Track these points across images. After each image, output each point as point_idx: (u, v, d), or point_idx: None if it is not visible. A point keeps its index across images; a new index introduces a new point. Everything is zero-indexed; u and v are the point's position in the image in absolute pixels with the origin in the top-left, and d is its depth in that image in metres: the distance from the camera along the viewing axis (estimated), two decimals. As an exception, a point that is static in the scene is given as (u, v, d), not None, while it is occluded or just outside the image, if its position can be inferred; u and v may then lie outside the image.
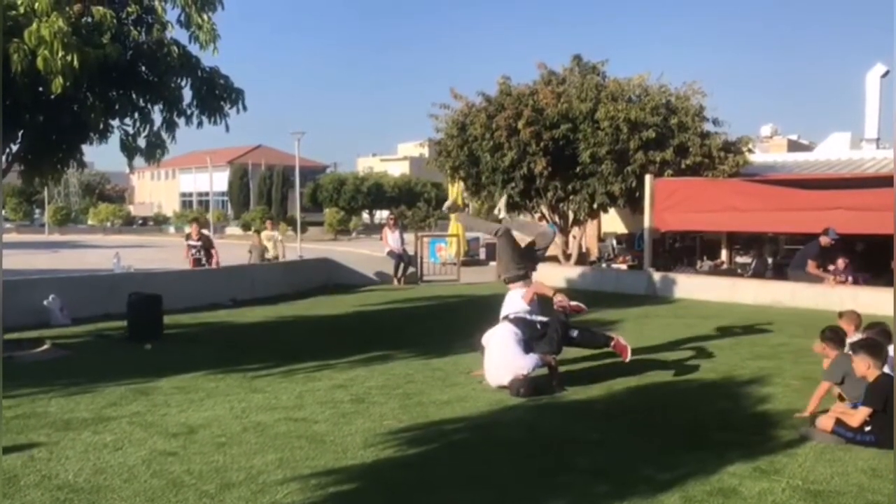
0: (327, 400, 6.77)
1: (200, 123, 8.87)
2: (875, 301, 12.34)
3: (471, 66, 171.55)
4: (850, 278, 13.82)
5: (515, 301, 7.81)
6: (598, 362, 8.34)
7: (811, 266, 14.00)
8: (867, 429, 5.51)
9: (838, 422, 5.59)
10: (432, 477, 4.86)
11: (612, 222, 20.46)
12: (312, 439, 5.61)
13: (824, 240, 13.95)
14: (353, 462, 5.13)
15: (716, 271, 17.25)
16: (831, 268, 13.89)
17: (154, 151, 8.72)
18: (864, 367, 5.70)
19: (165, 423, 6.06)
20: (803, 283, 14.02)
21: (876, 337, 6.36)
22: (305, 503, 4.43)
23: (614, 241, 19.70)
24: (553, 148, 16.70)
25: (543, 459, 5.24)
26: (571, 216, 17.92)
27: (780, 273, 15.27)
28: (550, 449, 5.47)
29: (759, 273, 15.98)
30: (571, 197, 17.09)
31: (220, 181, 67.92)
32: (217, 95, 8.86)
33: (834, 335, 6.61)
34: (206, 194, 69.84)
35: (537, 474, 4.94)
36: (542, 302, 7.98)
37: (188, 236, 14.75)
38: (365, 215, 64.54)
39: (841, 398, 6.12)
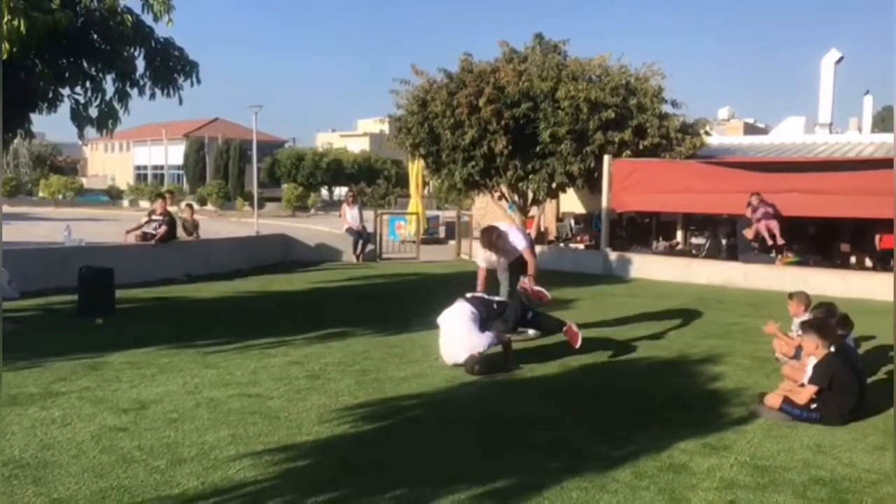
0: (282, 376, 6.74)
1: (153, 95, 8.69)
2: (824, 283, 12.65)
3: (433, 42, 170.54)
4: (766, 209, 14.07)
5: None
6: (553, 341, 8.37)
7: (750, 232, 14.37)
8: (813, 406, 5.65)
9: (786, 399, 5.73)
10: (387, 453, 4.87)
11: (571, 202, 20.56)
12: (266, 415, 5.58)
13: (748, 210, 14.38)
14: (308, 438, 5.12)
15: (671, 252, 17.47)
16: (753, 207, 14.16)
17: (106, 122, 8.51)
18: (813, 347, 5.83)
19: (116, 398, 5.97)
20: (754, 263, 14.29)
21: (824, 317, 6.51)
22: (258, 479, 4.41)
23: (572, 221, 19.78)
24: (514, 127, 16.65)
25: (498, 436, 5.28)
26: (531, 195, 17.97)
27: (733, 254, 15.53)
28: (505, 426, 5.51)
29: (713, 254, 16.22)
30: (531, 176, 17.11)
31: (175, 154, 66.83)
32: (171, 67, 8.67)
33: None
34: (161, 168, 68.79)
35: (492, 451, 4.98)
36: (510, 279, 8.07)
37: (152, 212, 14.34)
38: (324, 192, 63.95)
39: (788, 377, 6.25)
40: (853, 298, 11.63)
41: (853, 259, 15.28)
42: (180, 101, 8.76)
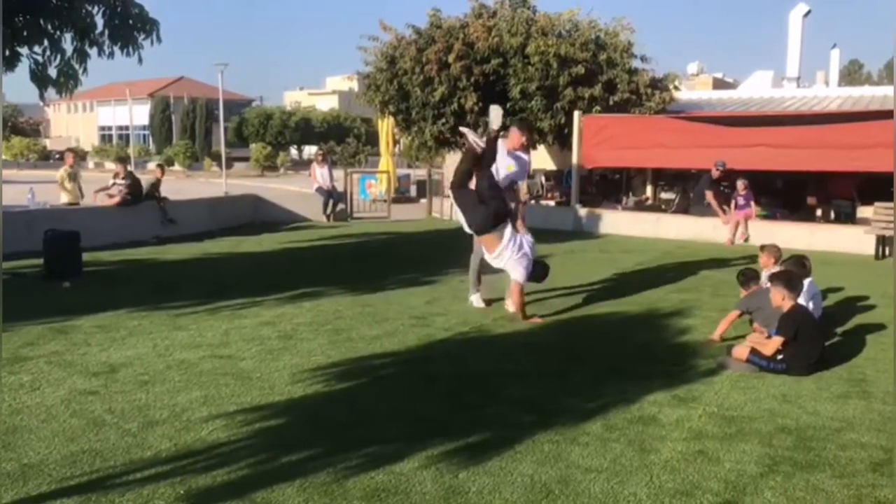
0: (254, 337, 6.71)
1: (112, 54, 8.45)
2: (793, 236, 12.81)
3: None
4: (751, 202, 14.23)
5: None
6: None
7: (709, 196, 14.51)
8: (779, 357, 5.75)
9: (753, 351, 5.82)
10: (360, 412, 4.89)
11: (541, 159, 20.51)
12: (238, 376, 5.57)
13: (714, 172, 14.50)
14: (280, 398, 5.12)
15: (641, 207, 17.57)
16: (738, 195, 14.26)
17: (66, 82, 8.28)
18: (780, 298, 5.92)
19: (85, 362, 5.92)
20: (706, 216, 14.46)
21: (793, 269, 6.61)
22: (231, 440, 4.41)
23: (543, 178, 19.80)
24: (483, 83, 16.52)
25: (471, 392, 5.32)
26: (501, 152, 17.91)
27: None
28: (477, 382, 5.55)
29: (682, 209, 16.33)
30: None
31: (140, 114, 65.47)
32: (130, 25, 8.43)
33: (747, 278, 6.93)
34: (126, 128, 67.41)
35: (465, 407, 5.01)
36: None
37: (115, 175, 14.12)
38: (293, 151, 63.25)
39: (755, 329, 6.36)
40: (819, 251, 11.81)
41: (819, 212, 15.50)
42: (140, 61, 8.55)
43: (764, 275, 7.28)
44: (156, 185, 14.38)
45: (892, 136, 12.43)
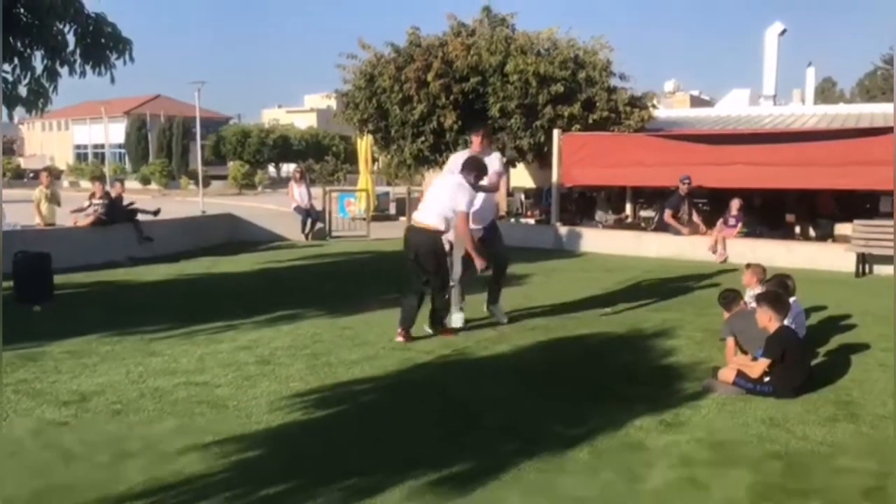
0: (230, 362, 6.57)
1: (84, 73, 8.31)
2: (772, 254, 12.82)
3: (379, 15, 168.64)
4: (739, 223, 14.28)
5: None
6: (506, 316, 8.36)
7: (667, 216, 14.62)
8: (766, 379, 5.69)
9: (739, 373, 5.76)
10: (340, 441, 4.77)
11: (521, 177, 20.56)
12: (214, 404, 5.43)
13: (682, 188, 14.57)
14: (258, 427, 4.99)
15: (620, 225, 17.58)
16: (731, 215, 14.32)
17: (36, 101, 8.13)
18: (766, 319, 5.86)
19: (56, 390, 5.74)
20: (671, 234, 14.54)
21: (777, 289, 6.56)
22: (207, 472, 4.26)
23: (522, 196, 19.82)
24: (463, 101, 16.58)
25: (453, 419, 5.21)
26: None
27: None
28: (460, 408, 5.44)
29: (662, 226, 16.35)
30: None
31: (116, 133, 64.89)
32: (103, 44, 8.29)
33: (728, 299, 6.88)
34: (102, 146, 66.82)
35: (448, 435, 4.91)
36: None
37: (92, 195, 13.91)
38: (271, 169, 63.03)
39: (743, 351, 6.30)
40: (799, 268, 11.81)
41: (798, 229, 15.57)
42: (112, 80, 8.41)
43: (748, 294, 7.26)
44: (119, 199, 14.17)
45: (874, 153, 12.55)
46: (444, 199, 7.34)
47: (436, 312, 7.61)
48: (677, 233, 14.55)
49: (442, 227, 7.31)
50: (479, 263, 7.38)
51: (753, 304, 6.28)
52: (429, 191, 7.71)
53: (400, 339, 7.31)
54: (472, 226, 7.59)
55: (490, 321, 8.25)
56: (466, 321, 7.98)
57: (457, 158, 7.95)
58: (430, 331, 7.67)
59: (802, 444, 4.82)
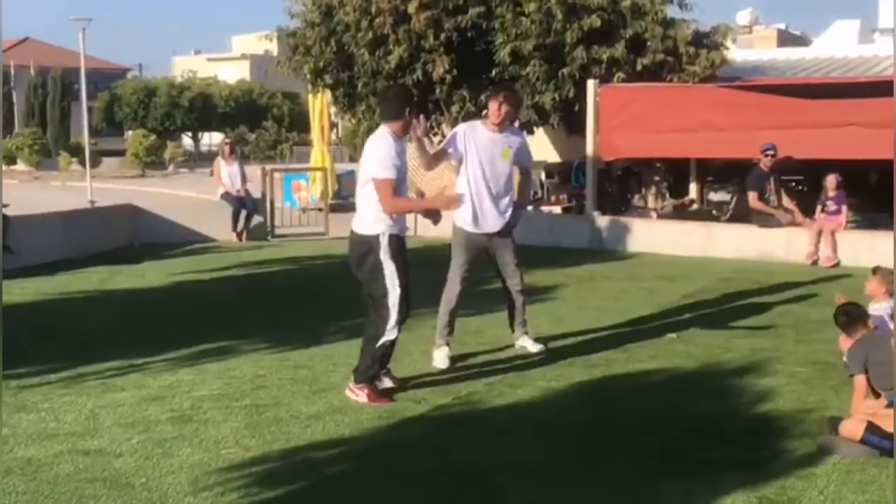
0: (135, 420, 6.47)
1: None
2: (898, 251, 12.73)
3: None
4: (843, 206, 14.21)
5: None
6: (532, 354, 8.31)
7: (753, 199, 14.55)
8: (910, 435, 5.57)
9: (869, 426, 5.63)
10: (297, 535, 4.66)
11: (541, 147, 20.44)
12: (113, 484, 5.29)
13: (764, 161, 14.56)
14: (177, 517, 4.88)
15: (682, 213, 17.54)
16: (827, 198, 14.24)
17: None
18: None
19: None
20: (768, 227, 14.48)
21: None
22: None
23: (543, 175, 19.75)
24: (459, 42, 16.52)
25: (460, 498, 5.15)
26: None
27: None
28: (468, 482, 5.37)
29: (741, 215, 16.26)
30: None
31: (-33, 92, 64.89)
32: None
33: (851, 318, 6.72)
34: (-52, 112, 66.68)
35: (453, 523, 4.80)
36: None
37: None
38: (187, 140, 63.00)
39: (874, 393, 6.19)
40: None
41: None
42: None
43: (882, 309, 7.19)
44: None
45: None
46: (361, 181, 7.05)
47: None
48: (768, 223, 14.41)
49: (377, 228, 6.88)
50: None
51: (889, 323, 6.18)
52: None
53: (359, 398, 6.92)
54: (472, 228, 7.76)
55: (506, 355, 8.24)
56: (453, 359, 7.98)
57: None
58: (441, 366, 7.74)
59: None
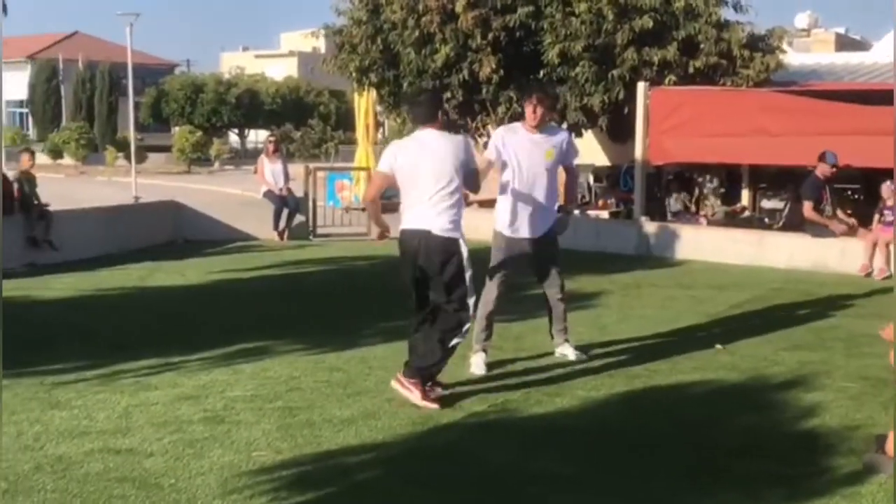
0: (167, 420, 6.51)
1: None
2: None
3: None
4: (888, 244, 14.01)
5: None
6: (568, 361, 8.28)
7: (808, 209, 14.33)
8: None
9: (918, 446, 5.55)
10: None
11: (590, 150, 20.37)
12: (142, 484, 5.33)
13: (822, 168, 14.30)
14: (204, 519, 4.92)
15: (733, 221, 17.38)
16: (885, 207, 14.03)
17: None
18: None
19: (-88, 459, 5.68)
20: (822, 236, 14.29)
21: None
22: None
23: (591, 178, 19.70)
24: (507, 42, 16.54)
25: None
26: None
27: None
28: (502, 492, 5.35)
29: (794, 223, 16.11)
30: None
31: (16, 85, 65.80)
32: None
33: None
34: (-4, 104, 67.59)
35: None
36: None
37: None
38: (233, 137, 63.48)
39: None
40: None
41: None
42: (3, 8, 8.38)
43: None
44: (26, 181, 14.17)
45: None
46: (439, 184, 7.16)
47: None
48: (821, 233, 14.24)
49: (460, 232, 7.07)
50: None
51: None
52: None
53: (411, 393, 6.96)
54: (510, 233, 7.76)
55: (545, 363, 8.22)
56: (490, 365, 7.97)
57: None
58: (478, 372, 7.74)
59: None
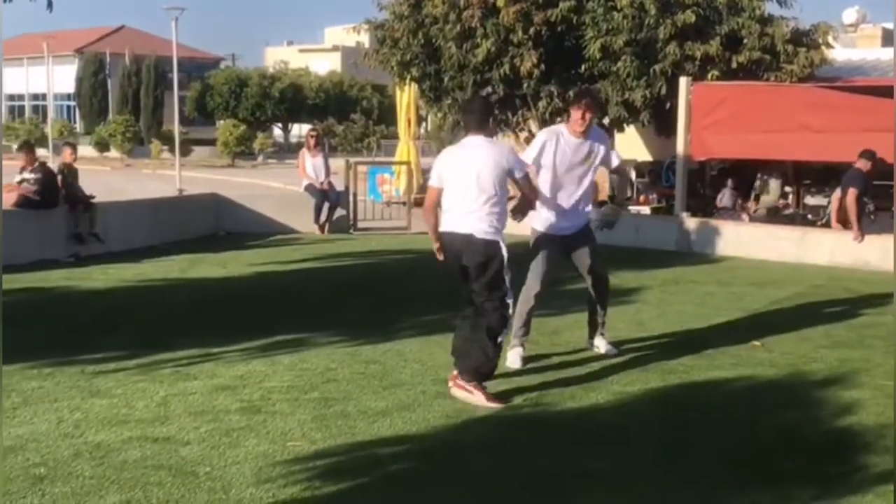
0: (204, 409, 6.57)
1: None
2: None
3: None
4: None
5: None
6: (604, 357, 8.28)
7: (851, 195, 14.11)
8: None
9: (955, 445, 5.49)
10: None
11: (631, 145, 20.31)
12: (178, 471, 5.39)
13: (862, 164, 14.16)
14: (238, 507, 4.97)
15: (776, 217, 17.26)
16: None
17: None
18: None
19: (-45, 444, 5.77)
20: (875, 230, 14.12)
21: None
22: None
23: (633, 173, 19.61)
24: (548, 37, 16.51)
25: (524, 502, 5.12)
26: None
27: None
28: (538, 488, 5.35)
29: (839, 220, 15.98)
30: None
31: (64, 78, 66.53)
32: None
33: None
34: (44, 97, 68.47)
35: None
36: None
37: (22, 168, 14.14)
38: (277, 131, 63.85)
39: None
40: None
41: None
42: (49, 5, 8.47)
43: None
44: (68, 173, 14.28)
45: None
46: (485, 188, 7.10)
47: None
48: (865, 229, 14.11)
49: (501, 235, 7.10)
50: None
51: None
52: None
53: (475, 397, 6.93)
54: (547, 230, 7.74)
55: (582, 357, 8.21)
56: (526, 360, 7.96)
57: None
58: (514, 366, 7.75)
59: None
